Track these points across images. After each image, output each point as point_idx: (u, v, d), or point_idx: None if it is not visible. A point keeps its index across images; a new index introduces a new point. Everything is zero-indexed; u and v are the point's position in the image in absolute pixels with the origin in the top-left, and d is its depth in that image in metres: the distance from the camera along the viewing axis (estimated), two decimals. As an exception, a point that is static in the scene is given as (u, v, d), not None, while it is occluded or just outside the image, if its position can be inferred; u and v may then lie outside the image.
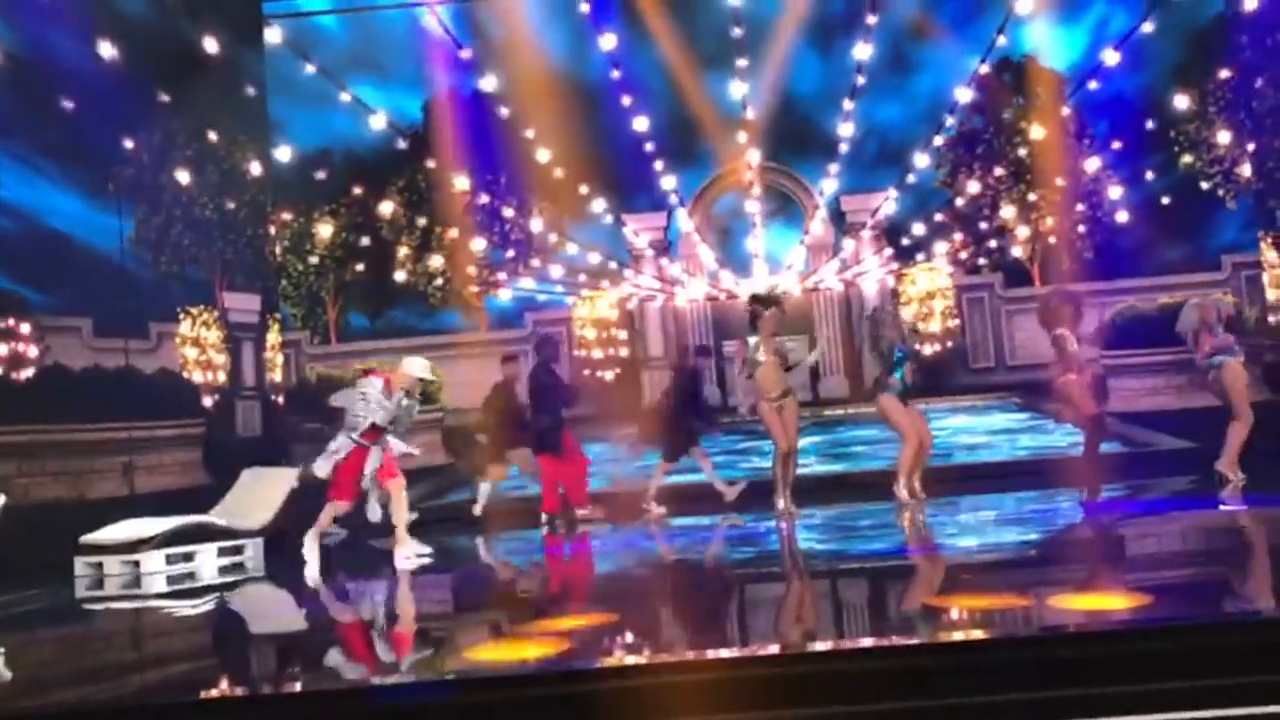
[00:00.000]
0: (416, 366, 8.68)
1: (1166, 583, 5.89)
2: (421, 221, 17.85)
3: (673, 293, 18.80)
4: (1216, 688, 3.83)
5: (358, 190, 18.26)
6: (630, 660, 4.68)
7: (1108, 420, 10.36)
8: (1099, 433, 9.74)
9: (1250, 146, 17.34)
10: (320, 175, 18.21)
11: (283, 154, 17.68)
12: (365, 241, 18.68)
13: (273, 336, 18.63)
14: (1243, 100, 17.44)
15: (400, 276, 18.98)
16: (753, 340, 9.49)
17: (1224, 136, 17.71)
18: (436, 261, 17.96)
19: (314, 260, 18.82)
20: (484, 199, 16.53)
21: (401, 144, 15.43)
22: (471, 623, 6.26)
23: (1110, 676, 3.94)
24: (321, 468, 8.38)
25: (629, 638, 5.22)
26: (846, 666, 4.25)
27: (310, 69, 11.60)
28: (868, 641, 4.95)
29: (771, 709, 3.94)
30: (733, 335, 18.97)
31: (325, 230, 18.58)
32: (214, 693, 4.77)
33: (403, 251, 18.49)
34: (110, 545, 8.65)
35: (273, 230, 18.05)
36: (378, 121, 14.17)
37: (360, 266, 18.56)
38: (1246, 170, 17.64)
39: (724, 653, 4.60)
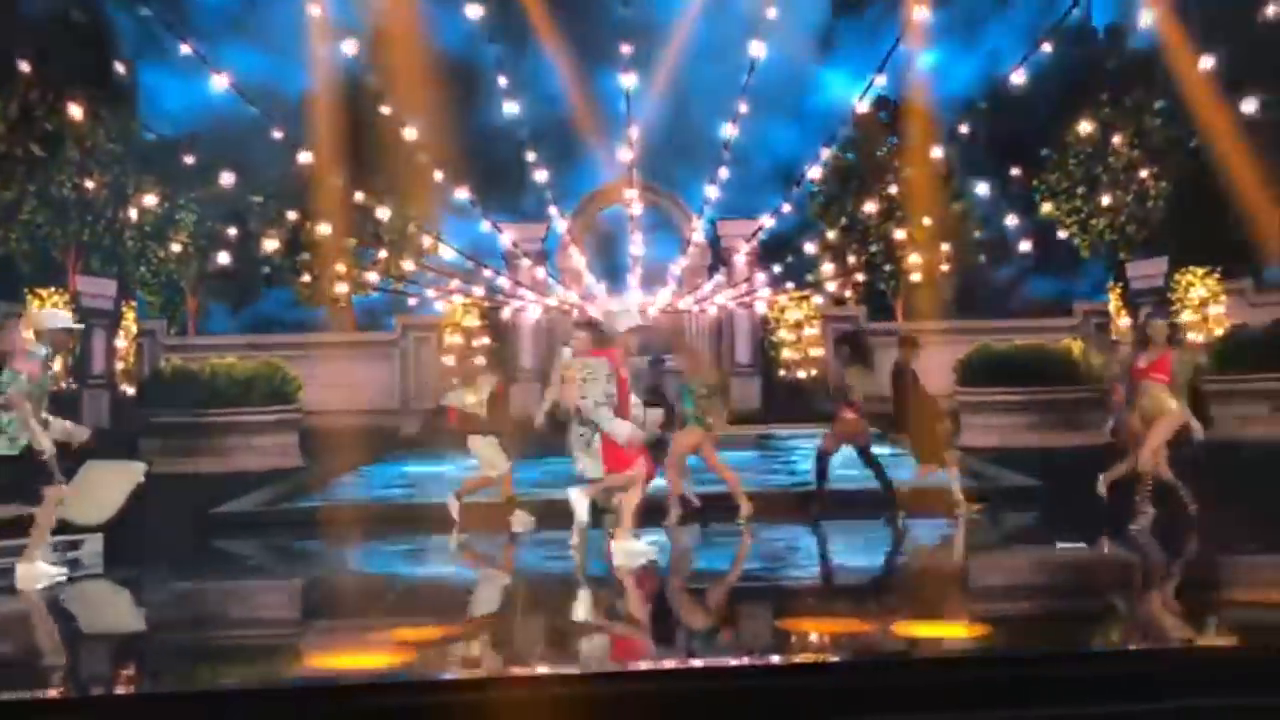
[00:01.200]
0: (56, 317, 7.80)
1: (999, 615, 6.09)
2: (292, 215, 17.38)
3: (529, 302, 18.69)
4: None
5: (226, 178, 17.72)
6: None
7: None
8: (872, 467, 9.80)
9: (1105, 200, 18.26)
10: (189, 160, 17.62)
11: (150, 135, 17.11)
12: (232, 231, 18.14)
13: (127, 324, 17.93)
14: (1100, 155, 18.38)
15: (266, 270, 18.48)
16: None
17: (1081, 188, 18.60)
18: (305, 257, 17.53)
19: (176, 248, 18.17)
20: (359, 197, 16.18)
21: (276, 135, 15.01)
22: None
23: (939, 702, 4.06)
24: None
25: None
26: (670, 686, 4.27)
27: (185, 49, 11.18)
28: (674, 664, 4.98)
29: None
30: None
31: (190, 217, 17.96)
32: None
33: (270, 245, 18.01)
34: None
35: (134, 214, 17.40)
36: (252, 110, 13.76)
37: (224, 257, 18.00)
38: (1101, 222, 18.57)
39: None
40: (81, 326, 8.06)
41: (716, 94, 15.53)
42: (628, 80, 12.57)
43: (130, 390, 16.82)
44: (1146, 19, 13.96)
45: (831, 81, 18.10)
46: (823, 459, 9.84)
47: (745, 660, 4.84)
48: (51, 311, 7.90)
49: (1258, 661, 4.46)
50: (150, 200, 17.29)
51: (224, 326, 21.56)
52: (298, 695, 4.20)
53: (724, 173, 15.50)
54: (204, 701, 4.15)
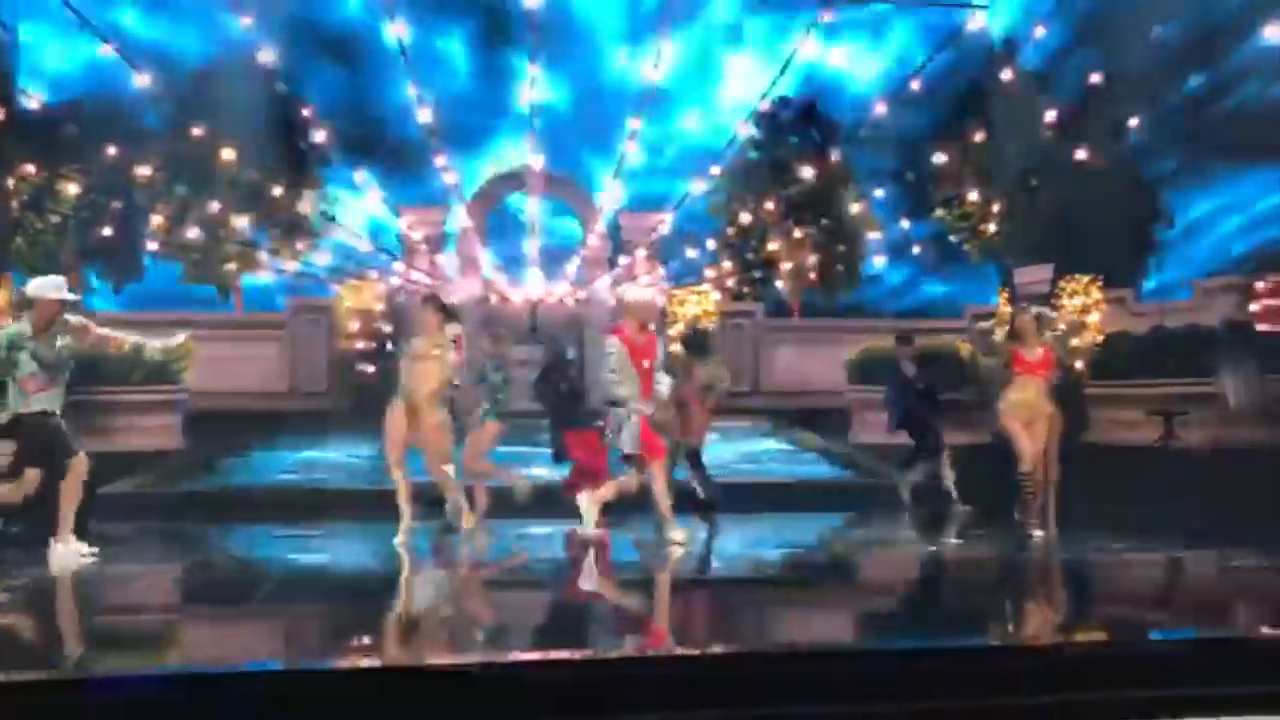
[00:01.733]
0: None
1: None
2: (181, 190, 16.85)
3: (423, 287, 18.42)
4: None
5: (112, 150, 17.09)
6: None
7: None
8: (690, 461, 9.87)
9: (995, 207, 18.75)
10: (71, 129, 16.94)
11: (31, 102, 16.39)
12: (116, 205, 17.50)
13: (3, 297, 17.17)
14: (991, 163, 18.86)
15: (153, 246, 17.86)
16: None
17: (973, 195, 19.04)
18: (193, 234, 16.97)
19: (55, 219, 17.45)
20: (252, 174, 15.77)
21: (166, 106, 14.56)
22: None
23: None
24: None
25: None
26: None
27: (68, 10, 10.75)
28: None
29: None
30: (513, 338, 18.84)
31: (71, 188, 17.26)
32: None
33: (156, 220, 17.41)
34: None
35: (11, 183, 16.67)
36: (141, 80, 13.30)
37: (108, 231, 17.35)
38: (991, 228, 19.05)
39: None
40: (74, 297, 7.86)
41: (627, 82, 15.51)
42: (533, 69, 12.52)
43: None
44: (1040, 31, 14.43)
45: (743, 73, 18.19)
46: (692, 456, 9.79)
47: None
48: (42, 280, 7.69)
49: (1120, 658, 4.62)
50: (29, 169, 16.61)
51: (106, 303, 20.81)
52: (166, 683, 4.07)
53: (628, 163, 15.55)
54: (68, 689, 3.97)
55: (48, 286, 7.52)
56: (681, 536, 8.00)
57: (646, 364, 7.94)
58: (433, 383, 8.19)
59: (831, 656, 4.58)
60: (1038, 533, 8.66)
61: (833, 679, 4.18)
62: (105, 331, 8.06)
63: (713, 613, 6.19)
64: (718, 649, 4.91)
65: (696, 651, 4.88)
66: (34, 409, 7.30)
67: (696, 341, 10.45)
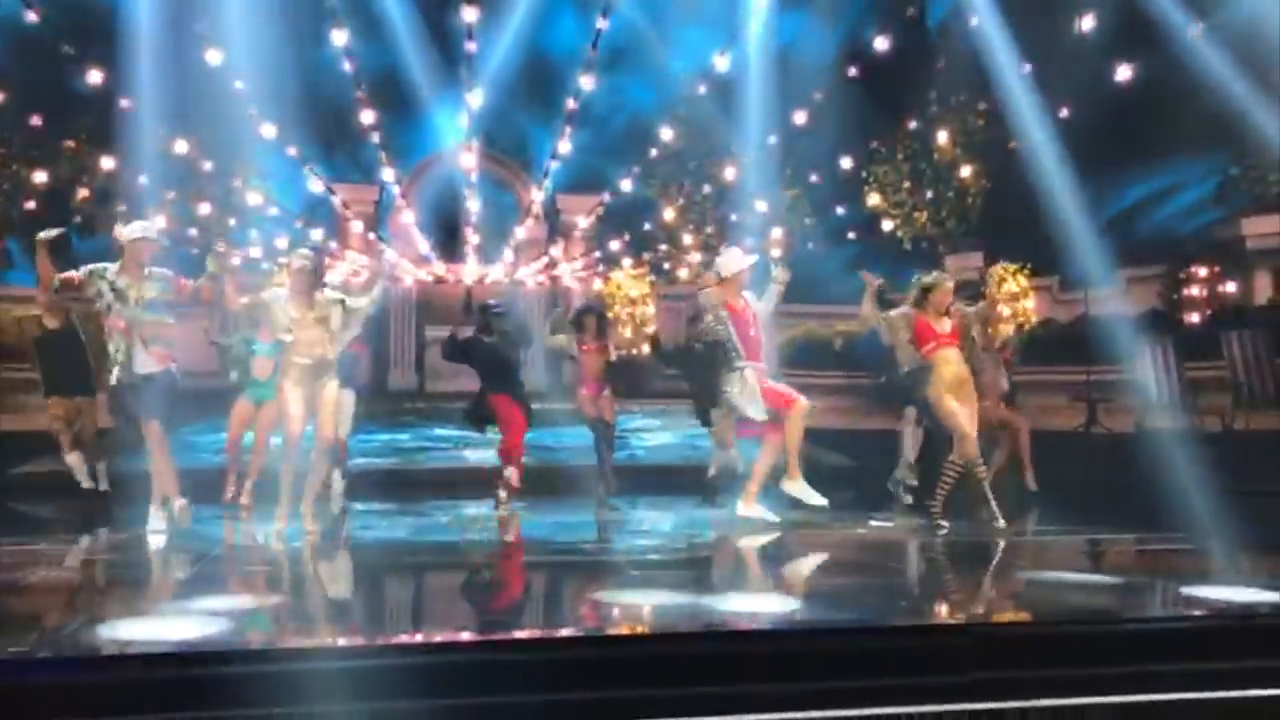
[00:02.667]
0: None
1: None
2: (109, 165, 16.42)
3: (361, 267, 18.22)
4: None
5: (36, 121, 16.65)
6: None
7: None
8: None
9: (928, 194, 19.00)
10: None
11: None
12: (40, 178, 17.05)
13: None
14: (924, 151, 19.08)
15: (77, 220, 17.42)
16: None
17: (907, 183, 19.26)
18: (122, 209, 16.57)
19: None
20: (180, 148, 15.42)
21: (94, 78, 14.15)
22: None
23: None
24: None
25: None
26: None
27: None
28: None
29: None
30: (435, 320, 18.73)
31: (-9, 157, 16.80)
32: None
33: (83, 193, 17.02)
34: None
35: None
36: (69, 49, 12.95)
37: (32, 205, 16.92)
38: (924, 216, 19.29)
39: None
40: (155, 238, 7.70)
41: (570, 54, 15.34)
42: (470, 45, 12.40)
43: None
44: (975, 21, 14.59)
45: (690, 44, 18.05)
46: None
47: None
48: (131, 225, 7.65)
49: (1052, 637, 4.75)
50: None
51: (30, 278, 20.23)
52: (96, 664, 4.03)
53: (565, 145, 15.46)
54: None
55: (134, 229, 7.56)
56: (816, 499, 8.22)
57: (753, 332, 8.26)
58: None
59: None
60: (945, 526, 8.08)
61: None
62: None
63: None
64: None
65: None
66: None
67: (580, 318, 10.36)
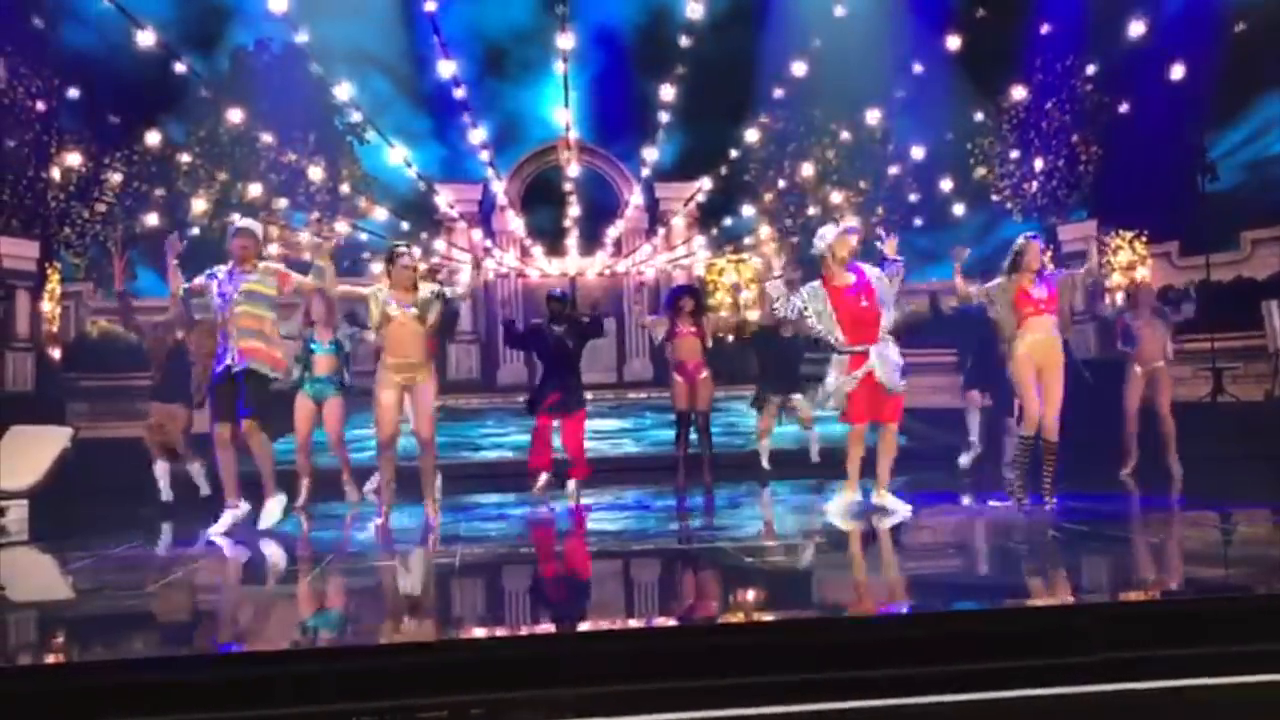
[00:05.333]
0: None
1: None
2: (222, 176, 17.02)
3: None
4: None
5: (153, 138, 17.28)
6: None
7: None
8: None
9: (1038, 164, 18.48)
10: (114, 119, 17.13)
11: (73, 93, 16.59)
12: (160, 192, 17.72)
13: (52, 286, 17.47)
14: (1033, 120, 18.56)
15: (195, 232, 18.05)
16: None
17: (1014, 153, 18.77)
18: (235, 219, 17.15)
19: (101, 208, 17.71)
20: (290, 157, 15.88)
21: (204, 93, 14.65)
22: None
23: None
24: None
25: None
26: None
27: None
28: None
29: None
30: (542, 314, 18.82)
31: (115, 177, 17.49)
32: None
33: (199, 206, 17.63)
34: None
35: (56, 173, 16.91)
36: (180, 67, 13.41)
37: (153, 218, 17.59)
38: (1034, 186, 18.78)
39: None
40: (258, 228, 8.21)
41: (662, 51, 15.30)
42: (564, 41, 12.48)
43: (56, 353, 16.42)
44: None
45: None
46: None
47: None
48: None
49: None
50: (74, 159, 16.84)
51: (153, 289, 21.04)
52: (225, 664, 4.17)
53: (661, 137, 15.46)
54: (128, 670, 4.07)
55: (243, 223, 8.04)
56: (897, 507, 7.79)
57: (865, 303, 7.79)
58: None
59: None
60: (1025, 499, 7.83)
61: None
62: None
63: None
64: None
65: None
66: None
67: (675, 300, 10.34)
